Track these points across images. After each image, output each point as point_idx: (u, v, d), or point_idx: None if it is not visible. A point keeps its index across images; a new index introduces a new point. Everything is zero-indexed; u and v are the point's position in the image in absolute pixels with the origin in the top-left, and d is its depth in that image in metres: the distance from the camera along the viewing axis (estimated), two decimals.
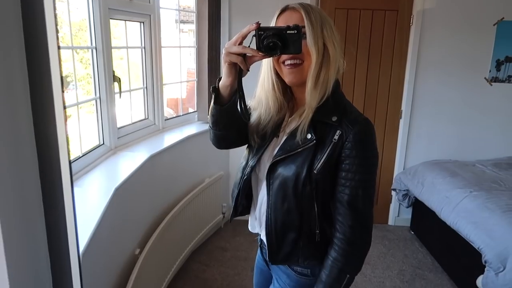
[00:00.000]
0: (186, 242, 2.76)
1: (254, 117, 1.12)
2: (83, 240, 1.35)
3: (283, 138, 1.09)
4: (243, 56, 0.95)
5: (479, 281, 2.23)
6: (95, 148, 2.08)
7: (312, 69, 0.98)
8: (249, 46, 0.94)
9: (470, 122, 3.33)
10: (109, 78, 2.10)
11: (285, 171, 1.05)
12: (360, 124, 1.00)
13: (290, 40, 0.92)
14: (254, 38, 0.93)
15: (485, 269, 2.19)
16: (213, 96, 1.04)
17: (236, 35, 0.94)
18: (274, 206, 1.08)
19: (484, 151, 3.36)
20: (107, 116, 2.13)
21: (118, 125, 2.30)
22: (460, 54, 3.20)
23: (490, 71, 3.21)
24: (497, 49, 3.16)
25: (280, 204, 1.07)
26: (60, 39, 2.32)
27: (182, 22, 3.83)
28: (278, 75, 1.06)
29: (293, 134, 1.05)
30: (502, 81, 3.23)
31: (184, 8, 3.31)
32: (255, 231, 1.24)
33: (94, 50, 2.02)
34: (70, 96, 1.89)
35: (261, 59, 1.00)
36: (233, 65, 0.97)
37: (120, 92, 2.22)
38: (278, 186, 1.06)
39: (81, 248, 1.31)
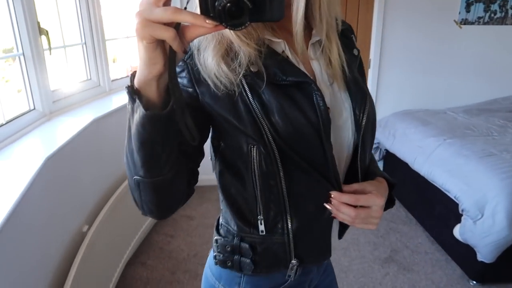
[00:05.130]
0: None
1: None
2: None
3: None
4: (176, 27, 0.48)
5: (456, 230, 2.14)
6: (23, 114, 1.78)
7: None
8: (185, 8, 0.48)
9: (440, 69, 3.20)
10: (33, 30, 1.76)
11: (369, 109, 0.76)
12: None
13: None
14: None
15: (462, 218, 2.10)
16: (129, 102, 0.55)
17: None
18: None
19: (454, 99, 3.26)
20: (36, 76, 1.81)
21: (53, 87, 1.99)
22: None
23: (459, 13, 3.04)
24: None
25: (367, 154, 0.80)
26: None
27: None
28: None
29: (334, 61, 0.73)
30: (472, 23, 3.08)
31: None
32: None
33: None
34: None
35: (211, 32, 0.50)
36: (158, 44, 0.49)
37: (50, 48, 1.90)
38: (370, 132, 0.77)
39: None
